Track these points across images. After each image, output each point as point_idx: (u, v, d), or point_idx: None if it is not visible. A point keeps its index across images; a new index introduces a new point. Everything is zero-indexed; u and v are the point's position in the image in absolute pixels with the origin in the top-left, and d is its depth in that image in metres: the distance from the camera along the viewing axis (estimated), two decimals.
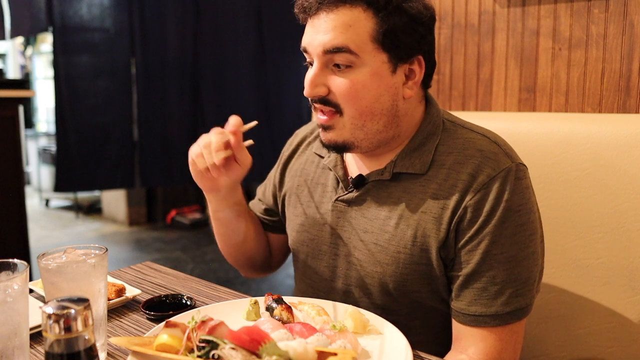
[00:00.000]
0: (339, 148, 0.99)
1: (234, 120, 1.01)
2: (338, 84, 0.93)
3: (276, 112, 4.67)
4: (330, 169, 1.09)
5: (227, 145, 1.00)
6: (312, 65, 0.96)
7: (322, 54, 0.92)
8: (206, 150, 1.00)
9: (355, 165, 1.06)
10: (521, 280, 0.91)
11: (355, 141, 0.97)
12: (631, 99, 1.37)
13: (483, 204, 0.91)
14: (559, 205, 1.23)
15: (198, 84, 4.37)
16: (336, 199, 1.05)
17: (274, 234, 1.27)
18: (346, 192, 1.04)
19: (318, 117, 0.99)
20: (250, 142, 1.03)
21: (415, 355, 0.81)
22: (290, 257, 1.33)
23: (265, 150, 4.61)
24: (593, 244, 1.19)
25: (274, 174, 1.25)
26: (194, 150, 1.02)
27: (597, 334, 1.19)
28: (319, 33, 0.92)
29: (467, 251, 0.92)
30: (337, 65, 0.93)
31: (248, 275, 1.34)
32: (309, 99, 0.97)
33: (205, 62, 4.36)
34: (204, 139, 1.02)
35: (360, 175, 1.03)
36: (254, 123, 1.04)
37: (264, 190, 1.27)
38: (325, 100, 0.95)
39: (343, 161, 1.08)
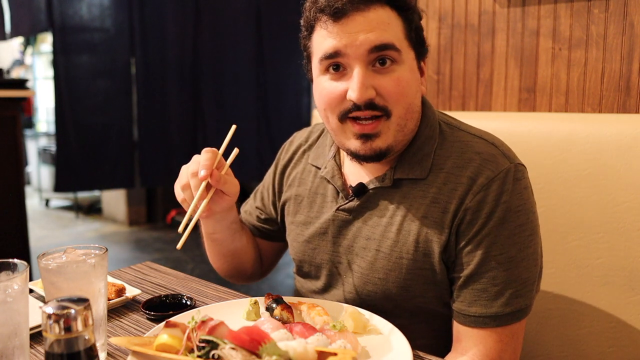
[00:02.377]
0: (381, 156, 0.94)
1: (205, 160, 0.92)
2: (386, 83, 0.90)
3: (275, 112, 4.67)
4: (329, 181, 1.06)
5: (207, 185, 0.93)
6: (335, 70, 0.92)
7: (367, 53, 0.89)
8: (188, 196, 0.96)
9: (354, 174, 1.04)
10: (521, 280, 0.90)
11: (395, 145, 0.94)
12: (631, 99, 1.37)
13: (483, 206, 0.90)
14: (559, 205, 1.23)
15: (198, 84, 4.38)
16: (337, 209, 1.03)
17: (267, 241, 1.25)
18: (347, 200, 1.02)
19: (356, 127, 0.92)
20: (235, 151, 0.96)
21: (415, 356, 0.81)
22: (281, 260, 1.32)
23: (264, 150, 4.61)
24: (593, 244, 1.19)
25: (270, 181, 1.21)
26: (179, 194, 0.98)
27: (597, 334, 1.19)
28: (359, 33, 0.88)
29: (467, 252, 0.92)
30: (381, 63, 0.90)
31: (237, 283, 1.31)
32: (348, 108, 0.91)
33: (205, 62, 4.37)
34: (185, 173, 0.96)
35: (360, 184, 1.01)
36: (232, 130, 0.95)
37: (262, 198, 1.23)
38: (373, 105, 0.90)
39: (341, 171, 1.06)
